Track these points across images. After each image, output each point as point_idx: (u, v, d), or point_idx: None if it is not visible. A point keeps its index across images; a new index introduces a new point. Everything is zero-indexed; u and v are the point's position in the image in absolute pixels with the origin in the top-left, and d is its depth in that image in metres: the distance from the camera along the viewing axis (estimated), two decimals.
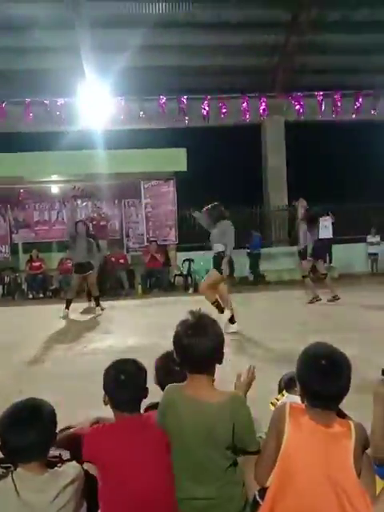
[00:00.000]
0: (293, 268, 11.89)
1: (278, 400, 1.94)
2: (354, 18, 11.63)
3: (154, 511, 1.61)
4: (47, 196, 12.28)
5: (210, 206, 6.13)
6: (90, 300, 8.61)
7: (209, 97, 10.39)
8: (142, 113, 10.25)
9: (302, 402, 1.57)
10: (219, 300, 5.87)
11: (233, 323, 5.76)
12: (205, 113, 10.39)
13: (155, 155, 11.26)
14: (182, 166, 11.25)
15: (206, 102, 10.41)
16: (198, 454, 1.59)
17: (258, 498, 1.61)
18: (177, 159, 11.27)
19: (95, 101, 10.52)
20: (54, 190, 12.13)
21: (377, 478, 1.64)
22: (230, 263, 6.00)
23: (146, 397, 1.79)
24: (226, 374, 1.79)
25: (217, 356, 1.65)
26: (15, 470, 1.52)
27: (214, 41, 11.64)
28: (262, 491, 1.56)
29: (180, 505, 1.62)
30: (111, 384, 1.75)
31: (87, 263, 7.92)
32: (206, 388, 1.64)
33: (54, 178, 11.46)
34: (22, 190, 11.94)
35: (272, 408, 1.82)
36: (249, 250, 11.90)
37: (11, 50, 11.06)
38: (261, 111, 10.80)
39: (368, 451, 1.60)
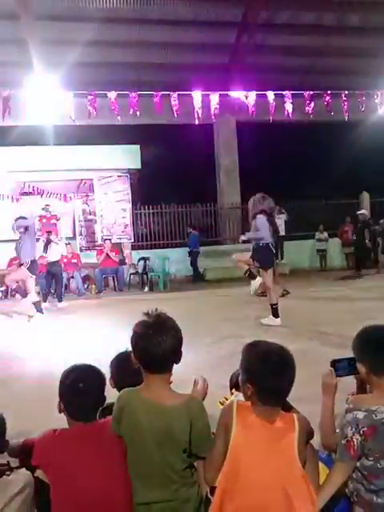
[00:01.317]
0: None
1: (226, 399, 1.96)
2: (302, 20, 12.02)
3: None
4: None
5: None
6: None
7: (160, 93, 10.33)
8: (92, 109, 10.03)
9: (247, 400, 1.59)
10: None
11: (276, 317, 5.84)
12: (156, 110, 10.33)
13: (109, 152, 11.11)
14: (137, 163, 11.16)
15: (157, 98, 10.34)
16: (154, 457, 1.58)
17: (209, 495, 1.63)
18: (131, 156, 11.17)
19: (44, 95, 10.18)
20: (3, 186, 11.66)
21: (322, 465, 1.72)
22: (270, 254, 5.95)
23: (103, 405, 1.75)
24: (178, 373, 1.79)
25: (176, 355, 1.63)
26: None
27: (164, 37, 11.61)
28: (213, 489, 1.58)
29: (137, 510, 1.60)
30: (68, 392, 1.70)
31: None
32: (163, 390, 1.62)
33: (4, 173, 11.00)
34: None
35: (220, 407, 1.83)
36: (189, 249, 12.02)
37: None
38: (213, 110, 10.87)
39: (313, 441, 1.66)
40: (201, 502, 1.65)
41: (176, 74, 11.99)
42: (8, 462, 1.68)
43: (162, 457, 1.57)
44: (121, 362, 2.03)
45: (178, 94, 10.45)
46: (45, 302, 8.58)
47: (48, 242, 8.76)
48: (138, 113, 10.15)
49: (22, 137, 11.22)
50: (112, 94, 10.09)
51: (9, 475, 1.57)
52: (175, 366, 1.67)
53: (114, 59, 11.86)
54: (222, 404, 1.94)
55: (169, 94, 10.39)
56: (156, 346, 1.58)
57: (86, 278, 11.03)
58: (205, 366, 4.05)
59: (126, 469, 1.63)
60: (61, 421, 1.75)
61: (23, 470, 1.62)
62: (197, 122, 10.53)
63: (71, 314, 8.00)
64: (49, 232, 9.21)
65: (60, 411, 1.72)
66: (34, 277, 7.44)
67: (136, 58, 12.04)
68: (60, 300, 8.75)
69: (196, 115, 10.49)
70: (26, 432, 1.82)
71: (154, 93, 10.28)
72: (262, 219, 5.86)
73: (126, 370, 1.88)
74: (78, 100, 10.30)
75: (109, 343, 4.91)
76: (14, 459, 1.72)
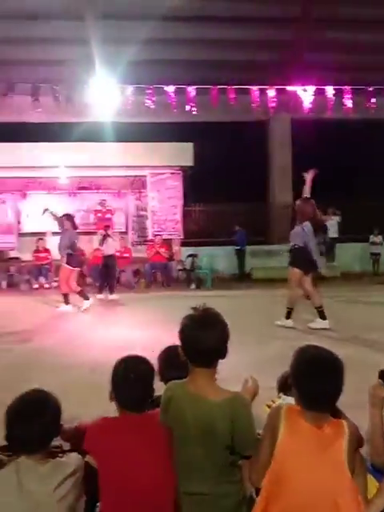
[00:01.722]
0: None
1: (273, 402, 1.97)
2: (362, 16, 11.55)
3: (152, 507, 1.64)
4: (54, 187, 12.35)
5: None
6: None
7: (217, 90, 10.37)
8: (150, 106, 10.26)
9: (297, 404, 1.59)
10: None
11: (323, 319, 5.88)
12: (213, 107, 10.41)
13: (163, 149, 11.27)
14: (189, 161, 11.25)
15: (214, 96, 10.39)
16: (196, 450, 1.61)
17: (254, 495, 1.65)
18: (184, 153, 11.27)
19: (104, 93, 10.54)
20: (62, 180, 12.19)
21: (372, 478, 1.68)
22: (308, 259, 5.98)
23: (152, 397, 1.80)
24: (224, 371, 1.82)
25: (222, 350, 1.66)
26: (18, 458, 1.56)
27: (223, 34, 11.57)
28: (259, 490, 1.59)
29: (180, 499, 1.65)
30: (119, 382, 1.76)
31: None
32: (208, 384, 1.65)
33: (62, 168, 11.49)
34: (29, 180, 12.01)
35: (267, 410, 1.84)
36: (237, 247, 11.92)
37: (22, 40, 11.06)
38: (268, 107, 10.75)
39: (363, 451, 1.64)
40: (242, 500, 1.66)
41: (233, 72, 11.92)
42: (61, 444, 1.79)
43: (204, 451, 1.61)
44: (168, 356, 2.10)
45: (235, 89, 10.40)
46: (99, 293, 8.92)
47: (105, 237, 9.05)
48: (194, 109, 10.24)
49: (80, 133, 11.67)
50: (170, 88, 10.23)
51: (61, 457, 1.67)
52: (220, 365, 1.70)
53: (172, 57, 11.98)
54: (269, 407, 1.95)
55: (225, 89, 10.38)
56: (203, 340, 1.61)
57: (136, 273, 11.30)
58: (250, 367, 4.02)
59: (172, 459, 1.68)
60: (111, 409, 1.82)
61: (75, 453, 1.69)
62: (251, 118, 10.43)
63: (121, 306, 8.26)
64: (106, 227, 9.51)
65: (111, 400, 1.78)
66: (77, 269, 7.76)
67: (194, 56, 12.10)
68: (112, 292, 9.03)
69: (251, 111, 10.43)
70: (78, 418, 1.92)
71: (211, 86, 10.30)
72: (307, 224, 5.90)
73: (173, 363, 1.93)
74: (136, 97, 10.54)
75: (156, 337, 5.03)
76: (66, 443, 1.84)
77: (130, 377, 1.75)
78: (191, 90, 10.27)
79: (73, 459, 1.64)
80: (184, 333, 1.68)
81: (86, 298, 7.67)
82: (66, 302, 7.64)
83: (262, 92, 10.83)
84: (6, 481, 1.51)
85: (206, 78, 11.50)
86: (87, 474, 1.68)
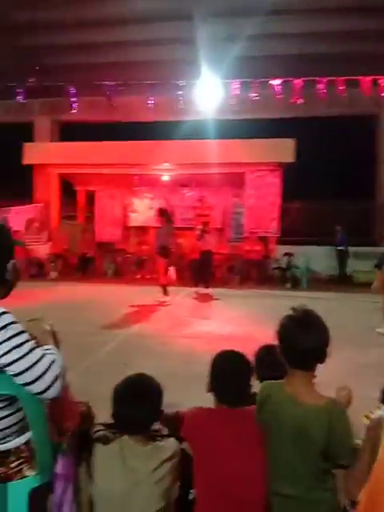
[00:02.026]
0: None
1: (372, 413, 1.87)
2: None
3: (244, 500, 1.65)
4: (158, 183, 12.94)
5: None
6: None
7: (325, 82, 9.97)
8: (255, 100, 10.22)
9: None
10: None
11: None
12: (319, 101, 10.05)
13: (263, 145, 11.15)
14: (290, 157, 10.98)
15: (321, 88, 10.02)
16: (289, 453, 1.60)
17: (348, 507, 1.60)
18: (285, 149, 11.03)
19: (209, 91, 10.72)
20: (165, 178, 12.72)
21: None
22: None
23: (248, 392, 1.81)
24: (319, 376, 1.78)
25: (321, 354, 1.62)
26: (122, 436, 1.69)
27: (328, 27, 11.02)
28: (354, 502, 1.52)
29: (271, 498, 1.65)
30: (217, 374, 1.79)
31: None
32: (305, 387, 1.63)
33: (165, 166, 11.98)
34: (136, 177, 12.73)
35: (365, 421, 1.76)
36: (336, 247, 11.30)
37: (132, 42, 11.69)
38: (380, 99, 10.04)
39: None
40: (336, 509, 1.62)
41: (341, 64, 11.33)
42: (160, 428, 1.90)
43: (297, 454, 1.59)
44: (264, 354, 2.09)
45: (345, 81, 9.89)
46: (195, 287, 9.18)
47: (203, 232, 9.25)
48: (300, 100, 9.96)
49: (184, 131, 12.02)
50: (276, 82, 10.10)
51: (161, 441, 1.77)
52: (317, 370, 1.66)
53: (277, 51, 11.76)
54: (367, 418, 1.87)
55: (333, 81, 9.94)
56: (302, 342, 1.59)
57: (230, 269, 11.37)
58: (347, 374, 3.87)
59: (265, 456, 1.68)
60: (206, 400, 1.85)
61: (173, 439, 1.77)
62: (359, 112, 9.83)
63: (216, 300, 8.39)
64: (205, 223, 9.72)
65: (208, 391, 1.82)
66: (166, 260, 8.13)
67: (299, 50, 11.73)
68: (207, 287, 9.22)
69: (360, 104, 9.85)
70: (175, 406, 2.00)
71: (319, 78, 9.94)
72: None
73: (269, 362, 1.93)
74: (240, 93, 10.55)
75: (249, 333, 5.04)
76: (164, 427, 1.94)
77: (227, 371, 1.78)
78: (298, 82, 9.99)
79: (171, 444, 1.72)
80: (283, 333, 1.67)
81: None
82: (165, 292, 7.98)
83: (374, 83, 10.13)
84: (112, 455, 1.63)
85: (312, 71, 11.09)
86: (183, 461, 1.75)
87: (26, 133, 12.98)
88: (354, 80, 10.23)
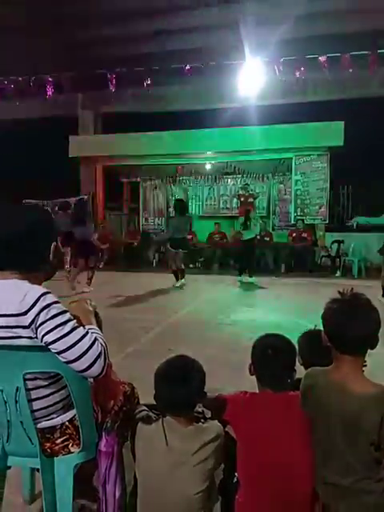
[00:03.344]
0: None
1: None
2: None
3: (289, 486, 1.61)
4: (201, 173, 12.89)
5: None
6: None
7: (375, 58, 9.44)
8: (299, 74, 9.87)
9: None
10: None
11: None
12: (369, 79, 9.57)
13: (310, 129, 10.80)
14: (339, 141, 10.55)
15: (371, 64, 9.51)
16: (338, 443, 1.53)
17: None
18: (333, 133, 10.62)
19: (253, 76, 10.49)
20: (208, 166, 12.64)
21: None
22: None
23: (292, 377, 1.76)
24: (370, 365, 1.67)
25: (371, 339, 1.53)
26: (164, 417, 1.69)
27: (376, 3, 10.39)
28: None
29: (317, 486, 1.60)
30: (260, 357, 1.76)
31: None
32: (354, 374, 1.55)
33: (208, 154, 11.88)
34: (179, 167, 12.75)
35: None
36: None
37: (176, 31, 11.62)
38: None
39: None
40: None
41: None
42: (203, 410, 1.87)
43: (347, 444, 1.52)
44: (310, 339, 2.01)
45: None
46: (239, 275, 9.10)
47: (246, 220, 9.14)
48: (347, 87, 9.53)
49: (228, 118, 11.85)
50: (322, 58, 9.72)
51: (204, 423, 1.75)
52: (367, 359, 1.57)
53: (322, 32, 11.28)
54: None
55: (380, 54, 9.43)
56: (351, 327, 1.50)
57: (276, 257, 11.17)
58: None
59: (310, 443, 1.62)
60: (249, 387, 1.83)
61: (216, 421, 1.76)
62: None
63: (261, 289, 8.28)
64: (248, 210, 9.60)
65: (251, 373, 1.79)
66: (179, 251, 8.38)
67: (345, 28, 11.18)
68: (251, 275, 9.11)
69: None
70: (216, 391, 1.98)
71: (369, 52, 9.44)
72: None
73: (314, 347, 1.85)
74: (285, 77, 10.25)
75: (296, 321, 4.92)
76: (207, 410, 1.92)
77: (268, 352, 1.74)
78: (345, 58, 9.55)
79: (214, 426, 1.71)
80: (330, 317, 1.58)
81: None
82: (177, 278, 8.40)
83: None
84: (155, 435, 1.64)
85: (360, 48, 10.55)
86: (227, 444, 1.73)
87: (71, 126, 13.31)
88: None
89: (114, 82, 10.92)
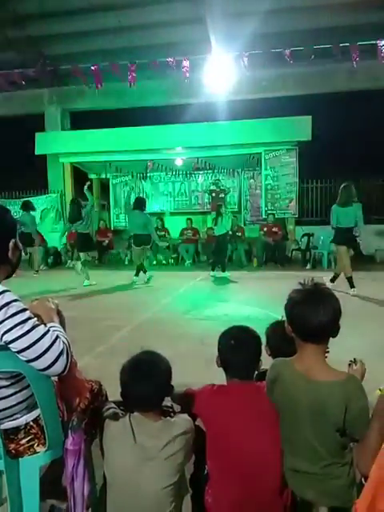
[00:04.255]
0: None
1: None
2: None
3: (258, 475, 1.63)
4: (172, 168, 12.85)
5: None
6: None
7: (340, 46, 9.65)
8: (266, 78, 10.00)
9: None
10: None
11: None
12: (333, 76, 9.77)
13: (278, 124, 10.92)
14: (307, 135, 10.72)
15: (332, 64, 9.73)
16: (305, 432, 1.56)
17: (363, 481, 1.54)
18: (301, 128, 10.77)
19: (221, 71, 10.51)
20: (179, 162, 12.61)
21: None
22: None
23: (257, 368, 1.78)
24: (340, 355, 1.71)
25: (332, 327, 1.56)
26: (132, 413, 1.68)
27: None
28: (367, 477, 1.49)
29: (286, 473, 1.63)
30: (225, 347, 1.78)
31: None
32: (317, 362, 1.57)
33: (178, 150, 11.86)
34: (149, 163, 12.67)
35: (379, 393, 1.69)
36: None
37: (138, 26, 11.51)
38: None
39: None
40: (353, 483, 1.57)
41: (357, 39, 10.89)
42: (172, 405, 1.87)
43: (313, 432, 1.54)
44: (277, 330, 2.02)
45: (359, 51, 9.54)
46: (212, 271, 9.15)
47: (218, 215, 9.18)
48: (313, 83, 9.68)
49: (196, 113, 11.84)
50: (287, 53, 9.83)
51: (172, 417, 1.74)
52: (337, 347, 1.59)
53: (288, 27, 11.40)
54: (382, 391, 1.79)
55: (347, 49, 9.62)
56: (311, 315, 1.53)
57: (248, 251, 11.27)
58: (369, 352, 3.76)
59: (278, 432, 1.64)
60: (220, 379, 1.84)
61: (186, 415, 1.76)
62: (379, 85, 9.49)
63: (233, 283, 8.34)
64: (220, 205, 9.65)
65: (218, 365, 1.81)
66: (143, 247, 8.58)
67: (314, 24, 11.34)
68: (223, 270, 9.16)
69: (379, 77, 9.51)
70: (188, 385, 1.98)
71: (333, 46, 9.61)
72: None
73: (281, 337, 1.85)
74: (252, 73, 10.31)
75: (267, 313, 4.98)
76: (176, 405, 1.91)
77: (232, 343, 1.76)
78: (310, 52, 9.72)
79: (183, 420, 1.70)
80: (291, 307, 1.61)
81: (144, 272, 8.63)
82: (137, 274, 8.56)
83: None
84: (122, 432, 1.62)
85: (326, 43, 10.73)
86: (197, 437, 1.73)
87: (38, 124, 13.03)
88: (369, 49, 9.83)
89: (80, 77, 10.73)
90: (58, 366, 1.45)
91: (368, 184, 12.18)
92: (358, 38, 10.17)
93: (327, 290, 1.61)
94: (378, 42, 9.56)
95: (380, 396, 1.49)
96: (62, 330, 1.58)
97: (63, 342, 1.49)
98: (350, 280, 6.81)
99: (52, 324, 1.58)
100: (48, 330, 1.48)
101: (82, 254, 8.58)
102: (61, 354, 1.46)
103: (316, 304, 1.54)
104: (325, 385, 1.52)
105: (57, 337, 1.48)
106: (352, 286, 6.72)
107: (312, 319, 1.53)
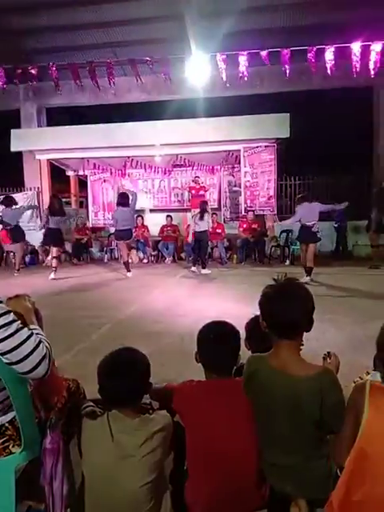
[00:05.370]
0: None
1: (361, 379, 1.82)
2: None
3: (236, 470, 1.64)
4: (151, 165, 12.77)
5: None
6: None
7: (314, 52, 9.75)
8: (244, 76, 10.01)
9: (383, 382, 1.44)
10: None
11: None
12: (311, 73, 9.88)
13: (257, 121, 10.96)
14: (285, 132, 10.80)
15: (311, 59, 9.81)
16: (282, 427, 1.57)
17: (339, 472, 1.56)
18: (280, 125, 10.84)
19: (199, 68, 10.49)
20: (158, 159, 12.54)
21: None
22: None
23: (235, 363, 1.79)
24: (318, 349, 1.73)
25: (306, 322, 1.58)
26: (110, 411, 1.66)
27: None
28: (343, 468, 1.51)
29: (263, 467, 1.64)
30: (203, 343, 1.78)
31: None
32: (292, 357, 1.59)
33: (157, 147, 11.79)
34: (128, 159, 12.56)
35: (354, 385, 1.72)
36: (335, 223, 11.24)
37: (118, 22, 11.39)
38: (373, 71, 9.82)
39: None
40: (330, 475, 1.59)
41: (332, 35, 11.04)
42: (150, 402, 1.86)
43: (290, 426, 1.56)
44: (255, 325, 2.04)
45: (335, 49, 9.66)
46: (193, 267, 9.16)
47: (203, 213, 9.18)
48: (287, 70, 9.79)
49: (175, 110, 11.81)
50: (263, 53, 9.89)
51: (151, 414, 1.73)
52: (314, 341, 1.61)
53: (267, 25, 11.46)
54: (356, 383, 1.82)
55: (323, 49, 9.74)
56: (284, 311, 1.54)
57: (228, 248, 11.32)
58: (346, 346, 3.85)
59: (256, 427, 1.65)
60: (199, 375, 1.84)
61: (164, 411, 1.76)
62: (353, 84, 9.62)
63: (213, 280, 8.36)
64: (203, 202, 9.66)
65: (197, 361, 1.81)
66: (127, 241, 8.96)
67: (289, 22, 11.43)
68: (204, 267, 9.18)
69: (354, 72, 9.67)
70: (168, 381, 1.98)
71: (308, 48, 9.72)
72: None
73: (259, 333, 1.85)
74: (231, 70, 10.33)
75: (247, 309, 5.00)
76: (155, 402, 1.91)
77: (211, 339, 1.76)
78: (286, 52, 9.79)
79: (161, 417, 1.70)
80: (265, 303, 1.62)
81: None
82: (128, 269, 8.83)
83: (365, 52, 9.89)
84: (100, 430, 1.61)
85: (303, 43, 10.84)
86: (176, 433, 1.73)
87: (13, 120, 12.78)
88: (346, 49, 9.96)
89: (55, 73, 10.55)
90: (40, 370, 1.47)
91: (344, 181, 12.36)
92: (332, 38, 10.32)
93: (300, 286, 1.63)
94: (351, 45, 9.68)
95: (354, 388, 1.52)
96: (42, 333, 1.59)
97: (46, 347, 1.51)
98: (309, 270, 7.66)
99: (34, 326, 1.58)
100: (31, 334, 1.49)
101: (54, 249, 8.86)
102: (43, 358, 1.47)
103: (288, 300, 1.56)
104: (300, 380, 1.54)
105: (40, 341, 1.50)
106: (308, 275, 7.54)
107: (285, 315, 1.55)
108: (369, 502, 1.35)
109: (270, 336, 1.64)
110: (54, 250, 8.95)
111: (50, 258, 9.62)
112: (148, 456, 1.57)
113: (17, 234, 9.21)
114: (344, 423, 1.49)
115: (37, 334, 1.52)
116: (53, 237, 8.78)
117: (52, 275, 8.48)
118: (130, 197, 8.81)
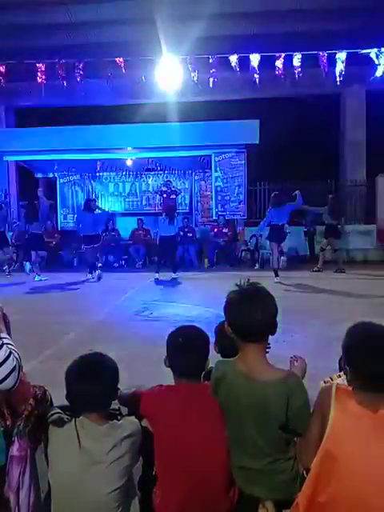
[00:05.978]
0: (369, 248, 11.37)
1: (331, 380, 1.86)
2: None
3: (205, 474, 1.64)
4: (122, 169, 12.70)
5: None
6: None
7: (282, 55, 9.98)
8: (215, 81, 10.13)
9: (349, 385, 1.47)
10: None
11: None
12: (280, 80, 10.10)
13: (227, 127, 11.09)
14: (255, 138, 10.96)
15: (280, 70, 10.02)
16: (249, 430, 1.59)
17: (305, 473, 1.59)
18: (249, 131, 11.00)
19: (170, 72, 10.52)
20: (129, 162, 12.48)
21: None
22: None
23: (204, 368, 1.79)
24: (285, 351, 1.76)
25: (270, 325, 1.60)
26: (78, 418, 1.64)
27: (288, 5, 10.94)
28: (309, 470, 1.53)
29: (233, 470, 1.65)
30: (172, 347, 1.78)
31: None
32: (258, 361, 1.60)
33: (129, 150, 11.74)
34: (98, 162, 12.43)
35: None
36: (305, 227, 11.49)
37: (90, 23, 11.30)
38: (339, 79, 10.12)
39: None
40: (296, 477, 1.62)
41: (304, 43, 11.31)
42: (119, 408, 1.84)
43: (258, 429, 1.58)
44: (225, 328, 2.06)
45: (302, 57, 9.90)
46: (156, 274, 9.10)
47: (171, 218, 9.16)
48: (257, 77, 9.97)
49: (147, 114, 11.78)
50: (233, 58, 10.03)
51: (119, 420, 1.72)
52: (282, 344, 1.63)
53: (237, 31, 11.62)
54: (325, 383, 1.86)
55: (291, 57, 9.96)
56: (248, 315, 1.56)
57: (199, 252, 11.36)
58: (313, 348, 3.92)
59: (224, 430, 1.67)
60: (170, 379, 1.84)
61: (133, 417, 1.74)
62: (321, 91, 9.86)
63: (184, 284, 8.38)
64: (171, 207, 9.66)
65: (166, 365, 1.81)
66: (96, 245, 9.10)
67: (259, 29, 11.64)
68: (174, 271, 9.15)
69: (321, 85, 9.93)
70: (137, 386, 1.97)
71: (277, 54, 9.92)
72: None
73: (228, 337, 1.87)
74: (201, 75, 10.40)
75: (217, 313, 5.04)
76: (124, 407, 1.89)
77: (179, 341, 1.76)
78: (254, 58, 9.98)
79: (129, 423, 1.68)
80: (230, 308, 1.64)
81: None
82: (91, 272, 9.02)
83: (332, 61, 10.19)
84: (67, 437, 1.59)
85: (272, 50, 11.06)
86: (145, 439, 1.71)
87: None
88: (314, 57, 10.23)
89: (25, 74, 10.34)
90: (9, 382, 1.46)
91: (314, 186, 12.63)
92: (303, 46, 10.56)
93: (263, 290, 1.66)
94: (320, 53, 9.93)
95: (321, 390, 1.56)
96: (11, 343, 1.56)
97: (16, 358, 1.49)
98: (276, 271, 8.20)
99: (4, 336, 1.55)
100: (1, 345, 1.47)
101: (33, 253, 8.96)
102: (12, 370, 1.46)
103: (252, 304, 1.58)
104: (266, 384, 1.56)
105: (10, 352, 1.48)
106: (276, 276, 8.05)
107: (249, 319, 1.57)
108: (334, 502, 1.39)
109: (236, 340, 1.65)
110: (34, 254, 9.14)
111: (30, 263, 9.63)
112: (116, 462, 1.55)
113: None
114: (310, 425, 1.52)
115: (7, 344, 1.50)
116: (37, 241, 9.09)
117: (42, 277, 8.83)
118: (101, 212, 9.32)
